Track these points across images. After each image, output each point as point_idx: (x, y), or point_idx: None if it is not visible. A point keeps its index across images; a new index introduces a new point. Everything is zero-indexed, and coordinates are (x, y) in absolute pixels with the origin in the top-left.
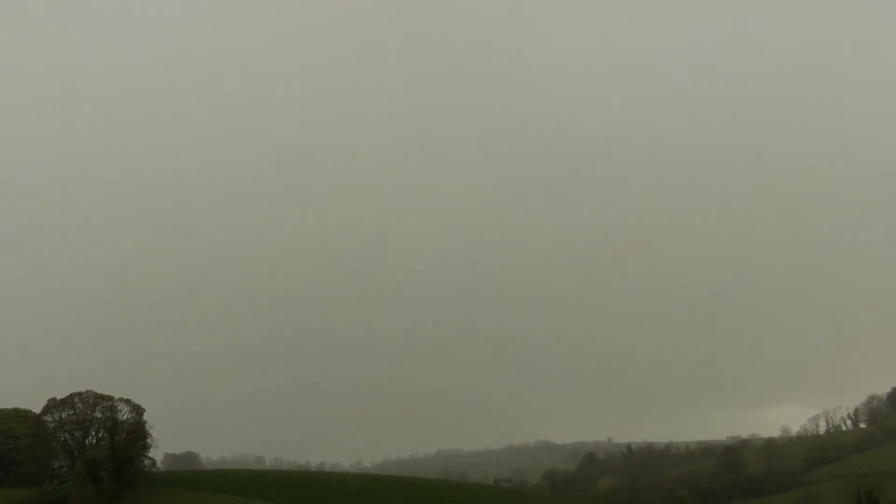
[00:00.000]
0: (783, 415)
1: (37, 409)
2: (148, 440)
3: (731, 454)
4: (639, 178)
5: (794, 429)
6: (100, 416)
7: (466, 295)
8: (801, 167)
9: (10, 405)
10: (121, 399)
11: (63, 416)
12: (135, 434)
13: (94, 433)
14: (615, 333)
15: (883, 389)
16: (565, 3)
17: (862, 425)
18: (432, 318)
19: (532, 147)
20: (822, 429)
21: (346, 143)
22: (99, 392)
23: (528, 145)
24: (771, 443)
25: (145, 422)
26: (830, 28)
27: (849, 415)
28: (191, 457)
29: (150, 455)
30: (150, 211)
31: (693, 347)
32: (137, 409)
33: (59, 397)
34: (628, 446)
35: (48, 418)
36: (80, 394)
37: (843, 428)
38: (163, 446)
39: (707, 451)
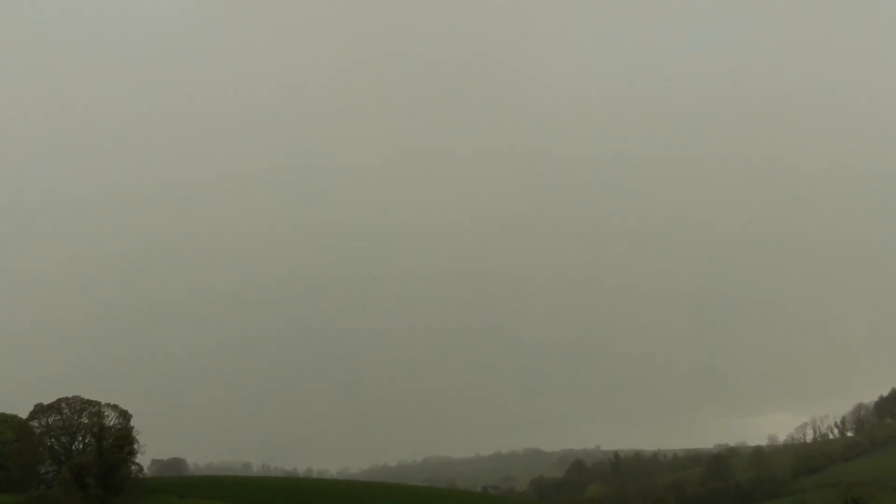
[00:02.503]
0: (771, 423)
1: (23, 415)
2: (135, 446)
3: (719, 462)
4: (633, 182)
5: (782, 437)
6: (87, 421)
7: (456, 301)
8: (793, 174)
9: None
10: (108, 404)
11: (50, 422)
12: (122, 440)
13: (80, 439)
14: (604, 341)
15: (870, 398)
16: (565, 8)
17: (849, 434)
18: (421, 325)
19: (529, 150)
20: (810, 437)
21: (346, 145)
22: (86, 397)
23: (525, 148)
24: (758, 451)
25: (132, 427)
26: (831, 29)
27: (836, 423)
28: (178, 463)
29: (137, 461)
30: (140, 215)
31: (681, 355)
32: (124, 415)
33: (45, 402)
34: (616, 454)
35: (35, 423)
36: (66, 399)
37: (831, 436)
38: (150, 452)
39: (695, 458)
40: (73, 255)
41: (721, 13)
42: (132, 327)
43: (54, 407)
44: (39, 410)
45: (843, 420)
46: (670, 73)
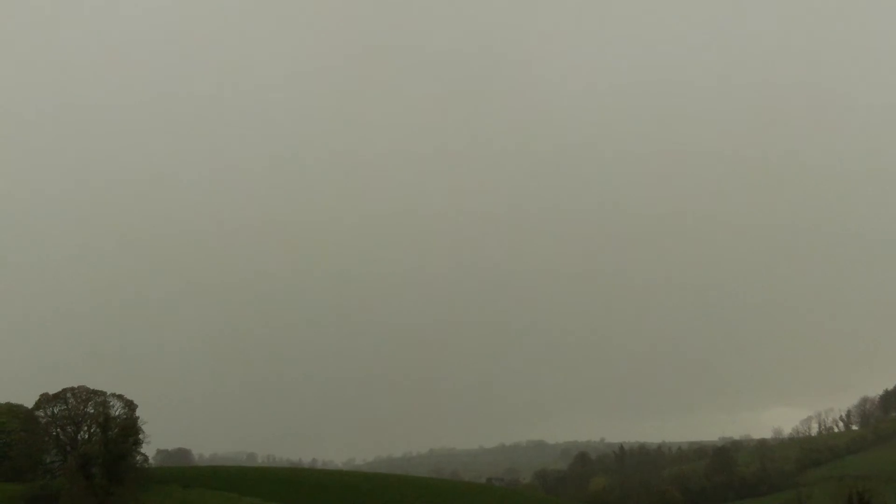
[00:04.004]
0: (775, 416)
1: (29, 404)
2: (140, 436)
3: (724, 455)
4: (633, 178)
5: (787, 430)
6: (92, 411)
7: (460, 294)
8: (796, 169)
9: (2, 400)
10: (113, 394)
11: (55, 412)
12: (127, 430)
13: (86, 428)
14: (608, 334)
15: (875, 392)
16: (573, 6)
17: (854, 427)
18: (426, 317)
19: (529, 147)
20: (815, 431)
21: (349, 143)
22: (91, 387)
23: (526, 145)
24: (763, 444)
25: (138, 417)
26: (831, 27)
27: (841, 417)
28: (183, 453)
29: (143, 451)
30: (142, 209)
31: (686, 348)
32: (130, 405)
33: (51, 392)
34: (620, 446)
35: (40, 413)
36: (72, 389)
37: (836, 430)
38: (155, 442)
39: (699, 451)
40: (79, 246)
41: (726, 12)
42: (138, 318)
43: (60, 397)
44: (45, 400)
45: (849, 414)
46: (676, 70)
